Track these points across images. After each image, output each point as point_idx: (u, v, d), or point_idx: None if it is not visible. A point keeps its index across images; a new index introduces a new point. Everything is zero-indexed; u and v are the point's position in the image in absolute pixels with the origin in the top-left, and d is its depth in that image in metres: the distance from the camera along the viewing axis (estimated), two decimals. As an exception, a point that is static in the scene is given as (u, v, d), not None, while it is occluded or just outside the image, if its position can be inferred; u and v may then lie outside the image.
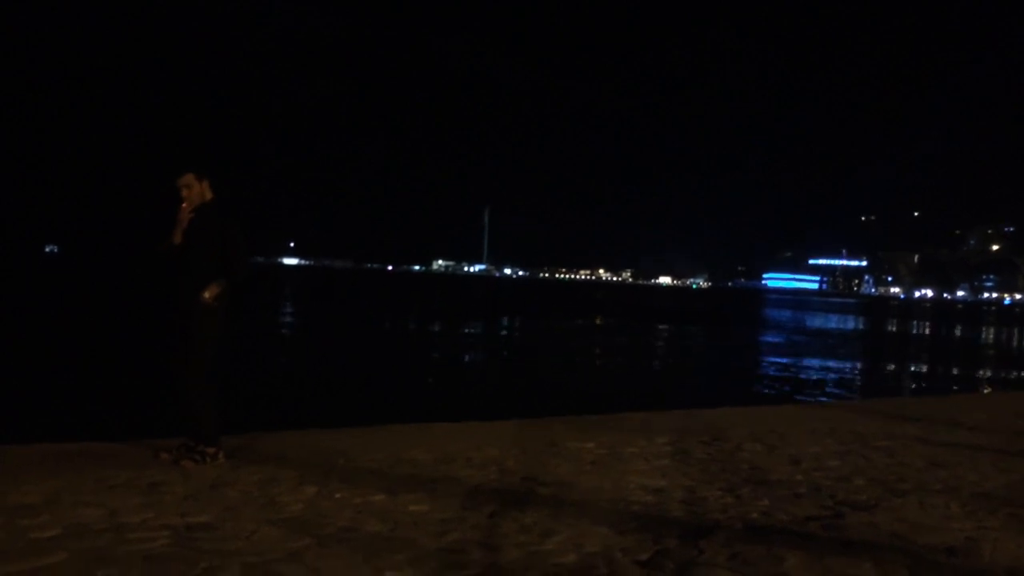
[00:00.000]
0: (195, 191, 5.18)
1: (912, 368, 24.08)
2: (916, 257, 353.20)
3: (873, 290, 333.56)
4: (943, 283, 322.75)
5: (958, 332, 50.39)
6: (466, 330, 29.14)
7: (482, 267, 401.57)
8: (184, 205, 5.15)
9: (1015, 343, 42.30)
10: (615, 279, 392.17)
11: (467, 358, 19.88)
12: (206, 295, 5.01)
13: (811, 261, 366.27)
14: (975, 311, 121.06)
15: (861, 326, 51.90)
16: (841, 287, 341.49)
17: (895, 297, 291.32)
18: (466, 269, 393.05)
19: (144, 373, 11.10)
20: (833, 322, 53.86)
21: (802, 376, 18.53)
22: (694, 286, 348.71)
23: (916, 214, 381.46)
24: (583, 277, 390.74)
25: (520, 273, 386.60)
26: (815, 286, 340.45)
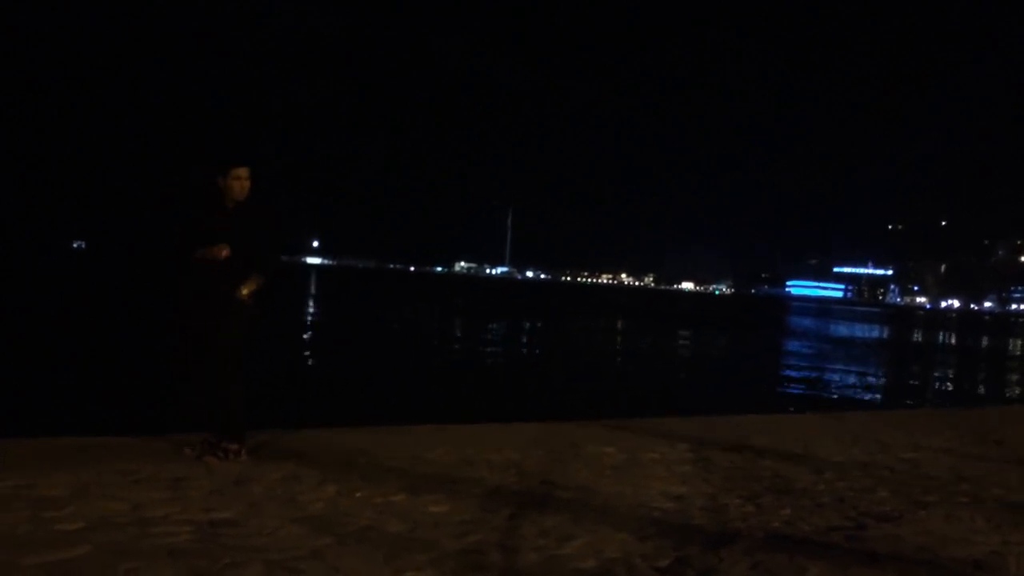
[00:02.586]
0: (247, 185, 5.09)
1: (937, 379, 23.79)
2: (943, 267, 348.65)
3: (899, 299, 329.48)
4: (971, 293, 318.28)
5: (985, 344, 49.69)
6: (486, 332, 29.14)
7: (504, 269, 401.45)
8: (228, 206, 5.05)
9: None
10: (637, 283, 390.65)
11: (487, 360, 19.86)
12: (244, 291, 4.97)
13: (836, 269, 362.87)
14: (1004, 322, 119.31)
15: (886, 336, 51.35)
16: (866, 296, 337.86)
17: (921, 307, 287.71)
18: (488, 271, 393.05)
19: (167, 368, 11.18)
20: (858, 331, 53.33)
21: (825, 385, 18.36)
22: (717, 292, 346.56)
23: (944, 223, 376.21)
24: (605, 281, 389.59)
25: (542, 276, 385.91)
26: (839, 294, 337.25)
